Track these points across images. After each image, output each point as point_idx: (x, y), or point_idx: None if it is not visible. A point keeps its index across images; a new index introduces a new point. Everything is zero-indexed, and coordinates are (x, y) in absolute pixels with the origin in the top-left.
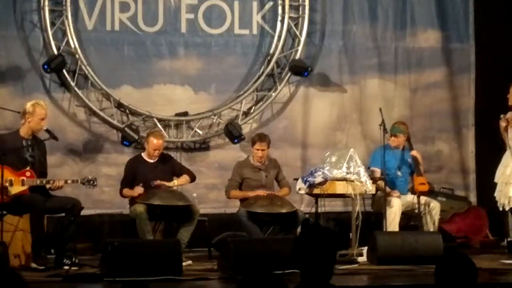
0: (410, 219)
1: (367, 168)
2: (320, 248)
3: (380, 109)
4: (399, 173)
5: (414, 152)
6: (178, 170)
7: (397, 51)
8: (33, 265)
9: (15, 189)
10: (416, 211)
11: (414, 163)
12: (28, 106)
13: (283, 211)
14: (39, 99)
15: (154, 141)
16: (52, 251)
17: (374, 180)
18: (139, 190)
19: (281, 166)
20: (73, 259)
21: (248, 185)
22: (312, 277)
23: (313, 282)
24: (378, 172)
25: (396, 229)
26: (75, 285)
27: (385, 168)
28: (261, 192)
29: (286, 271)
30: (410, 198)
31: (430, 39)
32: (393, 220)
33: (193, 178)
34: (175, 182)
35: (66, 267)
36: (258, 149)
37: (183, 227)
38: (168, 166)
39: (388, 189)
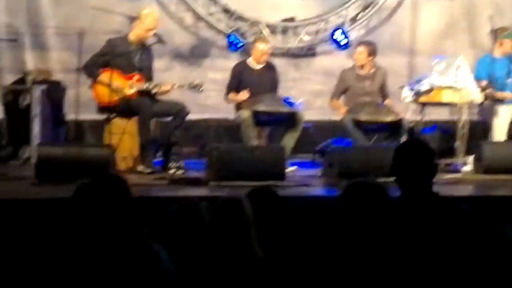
0: None
1: (476, 77)
2: (418, 161)
3: (491, 17)
4: (509, 80)
5: None
6: (276, 81)
7: None
8: (140, 168)
9: (123, 92)
10: None
11: None
12: (140, 13)
13: (388, 119)
14: (147, 5)
15: (260, 46)
16: (159, 154)
17: (482, 88)
18: (245, 95)
19: (388, 74)
20: (179, 162)
21: (352, 93)
22: (411, 187)
23: (413, 192)
24: (484, 83)
25: (503, 138)
26: (180, 188)
27: (493, 78)
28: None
29: (390, 179)
30: None
31: None
32: (500, 130)
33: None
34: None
35: (172, 171)
36: (358, 52)
37: (288, 133)
38: (272, 75)
39: (498, 94)
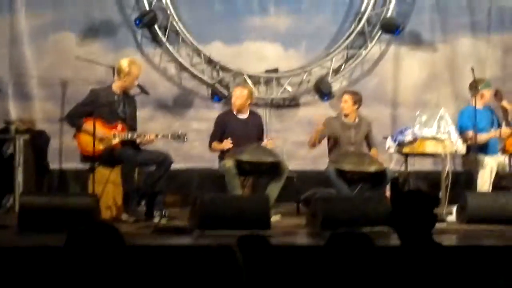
0: (502, 179)
1: (459, 129)
2: (420, 210)
3: (472, 69)
4: (492, 129)
5: (505, 103)
6: (260, 134)
7: (491, 9)
8: (124, 216)
9: (106, 142)
10: (508, 171)
11: (504, 115)
12: (124, 65)
13: (372, 169)
14: (130, 55)
15: (237, 92)
16: (143, 203)
17: (465, 139)
18: (228, 144)
19: (372, 124)
20: (163, 212)
21: (338, 141)
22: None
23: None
24: (469, 134)
25: (488, 189)
26: (165, 237)
27: (477, 128)
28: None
29: (374, 229)
30: (502, 158)
31: None
32: (484, 181)
33: None
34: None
35: (156, 220)
36: (345, 101)
37: (271, 183)
38: (256, 124)
39: (482, 137)
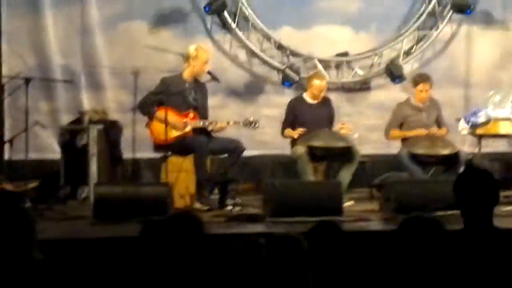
0: None
1: None
2: (481, 190)
3: None
4: None
5: None
6: (332, 116)
7: None
8: (197, 205)
9: (179, 130)
10: None
11: None
12: (192, 50)
13: (445, 152)
14: (201, 42)
15: (317, 83)
16: (216, 191)
17: None
18: (300, 131)
19: (443, 106)
20: (236, 199)
21: (409, 125)
22: (474, 219)
23: (475, 224)
24: None
25: None
26: (238, 226)
27: None
28: (421, 131)
29: (448, 213)
30: None
31: None
32: None
33: None
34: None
35: (229, 208)
36: (421, 90)
37: (344, 168)
38: (328, 110)
39: None
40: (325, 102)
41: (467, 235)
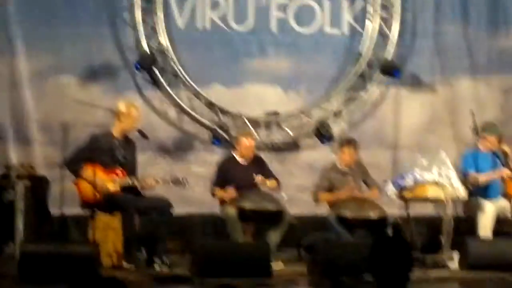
0: (503, 224)
1: (462, 172)
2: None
3: (472, 112)
4: None
5: (504, 147)
6: (267, 174)
7: (490, 51)
8: (125, 264)
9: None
10: (510, 216)
11: (504, 159)
12: (123, 107)
13: (373, 215)
14: (130, 98)
15: (245, 142)
16: (143, 250)
17: (466, 182)
18: (231, 192)
19: (371, 168)
20: (164, 259)
21: (338, 189)
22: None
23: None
24: (471, 175)
25: (489, 234)
26: (165, 286)
27: (479, 172)
28: (350, 191)
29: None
30: (503, 203)
31: None
32: (485, 226)
33: (279, 185)
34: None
35: (157, 267)
36: (345, 153)
37: (273, 229)
38: (259, 169)
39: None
40: (257, 161)
41: None
